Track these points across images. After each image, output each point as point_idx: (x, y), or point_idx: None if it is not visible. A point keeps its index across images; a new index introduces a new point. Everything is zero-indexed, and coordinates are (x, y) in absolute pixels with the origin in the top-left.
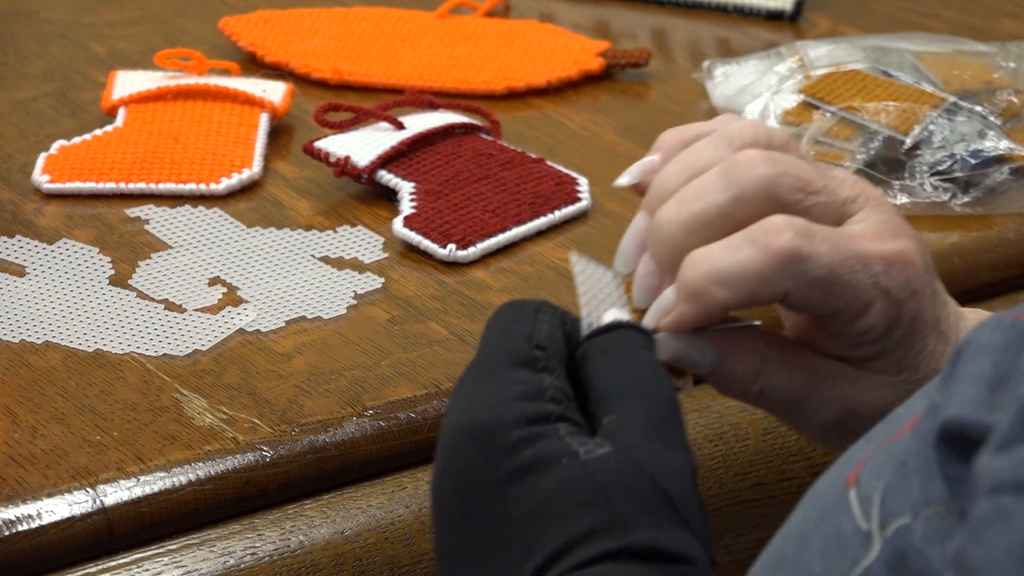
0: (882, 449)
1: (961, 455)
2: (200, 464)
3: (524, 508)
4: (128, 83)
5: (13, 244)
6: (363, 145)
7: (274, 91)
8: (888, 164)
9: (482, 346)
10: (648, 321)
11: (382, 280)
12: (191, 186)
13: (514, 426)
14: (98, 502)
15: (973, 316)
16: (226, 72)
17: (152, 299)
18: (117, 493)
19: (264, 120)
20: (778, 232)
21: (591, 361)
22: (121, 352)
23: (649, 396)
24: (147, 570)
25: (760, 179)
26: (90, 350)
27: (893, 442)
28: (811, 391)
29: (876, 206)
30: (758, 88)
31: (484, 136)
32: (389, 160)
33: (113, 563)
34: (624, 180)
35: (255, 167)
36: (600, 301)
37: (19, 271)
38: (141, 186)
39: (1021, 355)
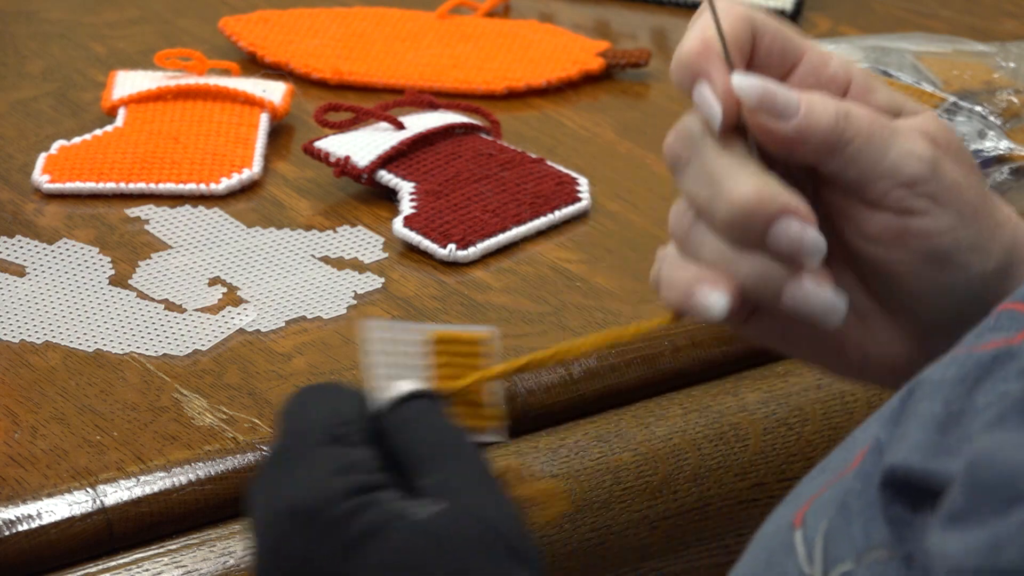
0: (831, 486)
1: (907, 500)
2: (200, 464)
3: None
4: (128, 83)
5: (13, 244)
6: (363, 145)
7: (274, 91)
8: None
9: (281, 431)
10: (738, 83)
11: (382, 280)
12: (191, 186)
13: (337, 500)
14: (98, 502)
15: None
16: (226, 72)
17: (152, 299)
18: (117, 493)
19: (264, 120)
20: None
21: (397, 432)
22: (121, 352)
23: (464, 456)
24: (147, 570)
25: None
26: (90, 350)
27: (841, 478)
28: (892, 130)
29: None
30: None
31: (484, 136)
32: (389, 160)
33: (113, 563)
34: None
35: (255, 167)
36: (393, 369)
37: (19, 271)
38: (141, 186)
39: (976, 390)
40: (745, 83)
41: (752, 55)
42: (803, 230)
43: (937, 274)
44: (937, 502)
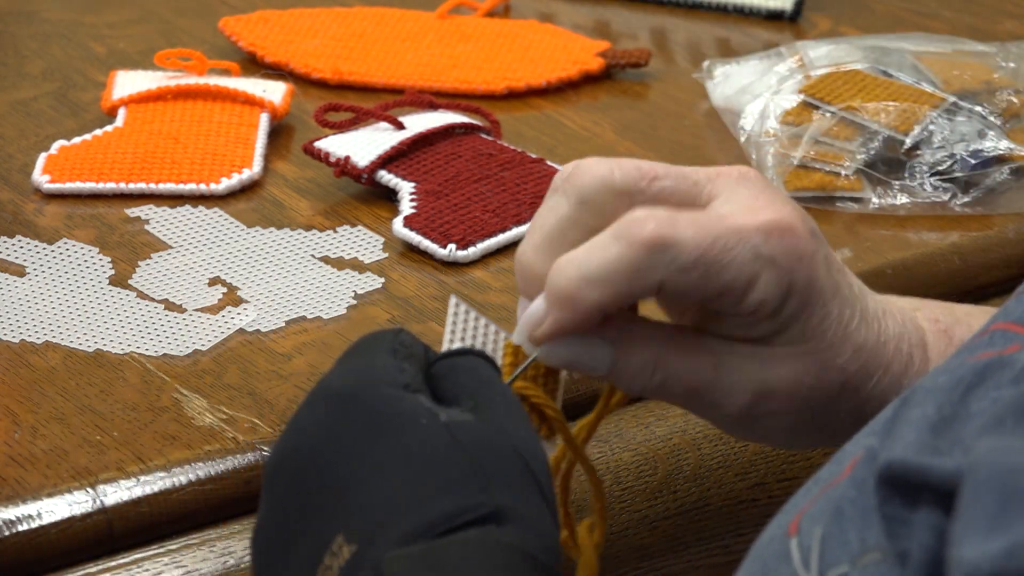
0: (823, 494)
1: (903, 496)
2: (200, 464)
3: (379, 466)
4: (128, 83)
5: (13, 244)
6: (363, 145)
7: (274, 91)
8: (888, 164)
9: (348, 350)
10: (517, 336)
11: (382, 280)
12: (191, 186)
13: (379, 386)
14: (98, 502)
15: (898, 302)
16: (226, 72)
17: (152, 299)
18: (117, 493)
19: (264, 120)
20: (640, 224)
21: (445, 375)
22: (121, 352)
23: (499, 392)
24: (147, 570)
25: (596, 178)
26: (90, 350)
27: (834, 486)
28: (717, 376)
29: (739, 182)
30: (758, 88)
31: (484, 136)
32: (389, 160)
33: (113, 563)
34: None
35: (255, 167)
36: (463, 342)
37: (19, 271)
38: (141, 186)
39: (969, 395)
40: (551, 356)
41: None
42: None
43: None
44: (932, 498)
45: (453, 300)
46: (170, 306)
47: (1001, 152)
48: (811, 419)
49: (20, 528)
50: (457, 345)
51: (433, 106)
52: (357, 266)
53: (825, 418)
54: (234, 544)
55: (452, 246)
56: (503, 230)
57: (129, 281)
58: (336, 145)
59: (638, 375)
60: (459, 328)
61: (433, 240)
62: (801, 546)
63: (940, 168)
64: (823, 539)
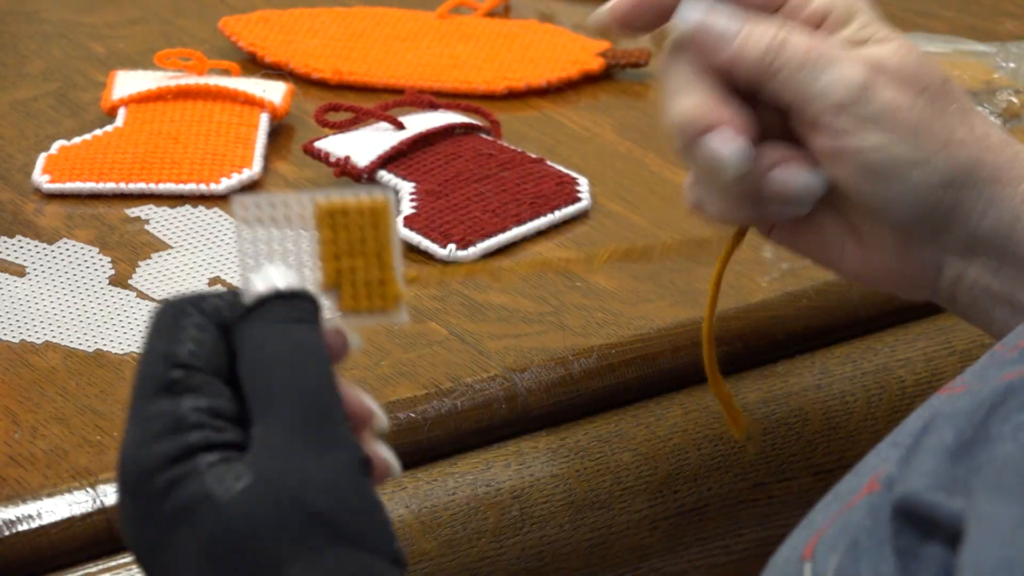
0: (840, 515)
1: (915, 530)
2: None
3: (184, 570)
4: (128, 83)
5: (13, 244)
6: (363, 145)
7: (274, 91)
8: None
9: (135, 371)
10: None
11: None
12: (191, 186)
13: (157, 471)
14: (98, 502)
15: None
16: (226, 72)
17: (152, 299)
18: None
19: (264, 120)
20: None
21: (240, 353)
22: (121, 352)
23: (291, 392)
24: None
25: None
26: (90, 350)
27: (852, 507)
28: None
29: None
30: None
31: (484, 136)
32: (389, 160)
33: (113, 563)
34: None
35: (255, 167)
36: (265, 255)
37: (19, 271)
38: (141, 186)
39: (991, 417)
40: (686, 15)
41: None
42: (720, 145)
43: (876, 187)
44: (943, 533)
45: (237, 201)
46: None
47: None
48: (902, 153)
49: (20, 528)
50: (249, 267)
51: (433, 106)
52: None
53: (916, 160)
54: None
55: (452, 246)
56: (503, 230)
57: (129, 281)
58: (336, 145)
59: (756, 47)
60: (253, 239)
61: (433, 240)
62: (815, 574)
63: None
64: (838, 570)
